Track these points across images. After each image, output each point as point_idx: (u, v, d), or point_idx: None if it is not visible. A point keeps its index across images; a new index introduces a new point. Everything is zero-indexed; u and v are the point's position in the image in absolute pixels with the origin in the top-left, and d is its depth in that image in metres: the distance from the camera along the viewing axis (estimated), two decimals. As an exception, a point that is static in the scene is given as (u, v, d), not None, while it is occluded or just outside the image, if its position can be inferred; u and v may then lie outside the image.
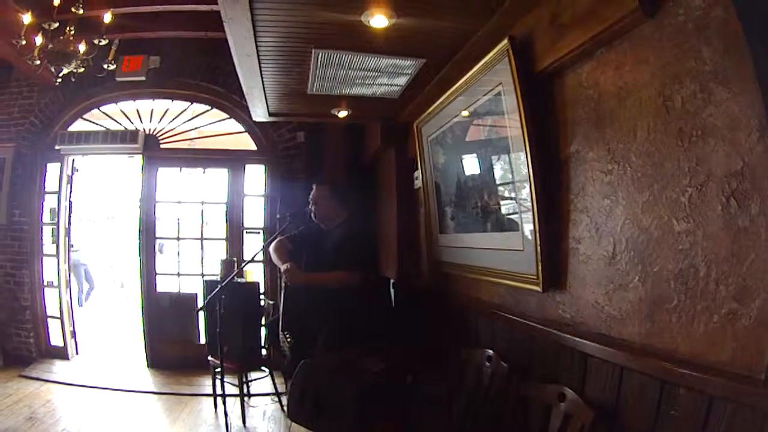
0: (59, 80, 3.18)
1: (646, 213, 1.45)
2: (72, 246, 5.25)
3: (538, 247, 1.81)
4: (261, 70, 2.58)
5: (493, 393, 2.04)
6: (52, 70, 3.10)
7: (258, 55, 2.37)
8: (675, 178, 1.34)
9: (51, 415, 3.27)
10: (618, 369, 1.48)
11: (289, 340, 2.65)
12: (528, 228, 1.90)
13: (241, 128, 4.59)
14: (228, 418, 2.89)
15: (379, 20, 1.94)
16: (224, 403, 3.03)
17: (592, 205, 1.67)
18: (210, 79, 4.33)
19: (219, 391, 3.27)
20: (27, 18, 2.92)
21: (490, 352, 2.13)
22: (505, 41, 1.87)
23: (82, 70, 3.17)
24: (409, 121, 3.18)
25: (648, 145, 1.44)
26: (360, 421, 2.17)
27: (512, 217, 2.08)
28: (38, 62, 3.04)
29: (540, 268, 1.82)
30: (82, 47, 3.06)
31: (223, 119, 4.59)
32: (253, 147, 4.61)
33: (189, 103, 4.55)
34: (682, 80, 1.31)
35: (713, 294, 1.22)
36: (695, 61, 1.27)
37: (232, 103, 4.32)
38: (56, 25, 2.96)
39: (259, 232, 4.63)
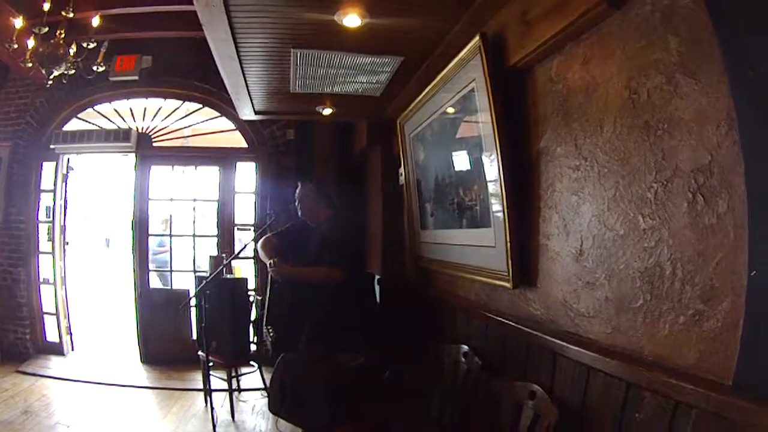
0: (50, 82, 3.22)
1: (612, 209, 1.42)
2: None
3: (508, 244, 1.79)
4: (243, 71, 2.59)
5: (468, 389, 2.03)
6: (44, 72, 3.13)
7: (239, 57, 2.39)
8: (641, 174, 1.31)
9: (45, 409, 3.31)
10: (585, 368, 1.46)
11: (271, 334, 2.66)
12: (500, 224, 1.88)
13: (232, 126, 4.60)
14: (214, 412, 2.91)
15: (351, 20, 1.95)
16: (210, 397, 3.05)
17: (561, 201, 1.65)
18: (202, 77, 4.33)
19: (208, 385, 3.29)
20: (18, 22, 2.96)
21: (466, 348, 2.13)
22: (477, 38, 1.85)
23: (73, 72, 3.19)
24: (393, 118, 3.17)
25: (614, 139, 1.41)
26: (338, 416, 2.18)
27: (486, 213, 2.06)
28: (30, 65, 3.07)
29: (510, 264, 1.80)
30: (72, 50, 3.08)
31: (215, 117, 4.61)
32: (244, 145, 4.62)
33: (181, 102, 4.57)
34: (648, 72, 1.28)
35: (679, 294, 1.18)
36: (662, 52, 1.23)
37: (223, 101, 4.31)
38: (46, 29, 2.98)
39: (249, 229, 4.65)
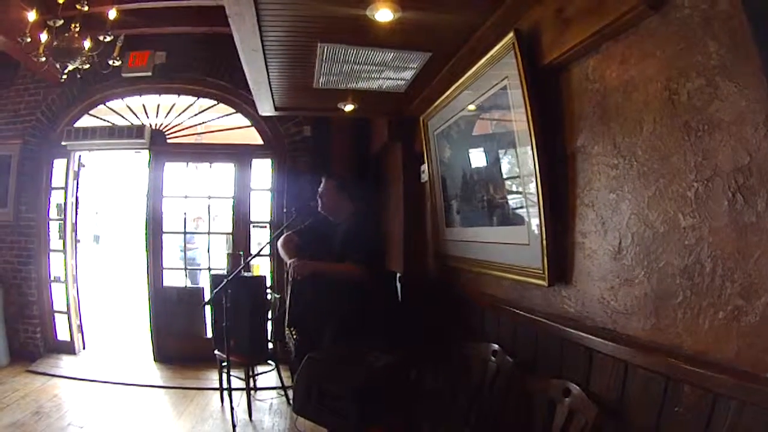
0: (65, 77, 3.20)
1: (652, 208, 1.44)
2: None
3: (544, 242, 1.80)
4: (267, 65, 2.58)
5: (498, 387, 2.04)
6: (58, 66, 3.12)
7: (263, 50, 2.37)
8: (681, 173, 1.33)
9: (57, 410, 3.30)
10: (623, 365, 1.48)
11: (294, 335, 2.66)
12: (534, 222, 1.89)
13: (247, 122, 4.60)
14: (234, 412, 2.91)
15: (384, 14, 1.94)
16: (230, 396, 3.05)
17: (598, 199, 1.67)
18: (216, 74, 4.34)
19: (225, 384, 3.29)
20: (32, 15, 2.94)
21: (496, 346, 2.14)
22: (511, 35, 1.86)
23: (88, 66, 3.17)
24: (416, 115, 3.17)
25: (654, 139, 1.43)
26: (365, 416, 2.18)
27: (518, 211, 2.07)
28: (43, 59, 3.05)
29: (545, 262, 1.81)
30: (87, 44, 3.07)
31: (230, 114, 4.60)
32: (259, 141, 4.62)
33: (195, 98, 4.55)
34: (689, 74, 1.30)
35: (719, 290, 1.21)
36: (701, 55, 1.25)
37: (239, 97, 4.33)
38: (61, 22, 2.96)
39: (265, 226, 4.66)
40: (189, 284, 4.98)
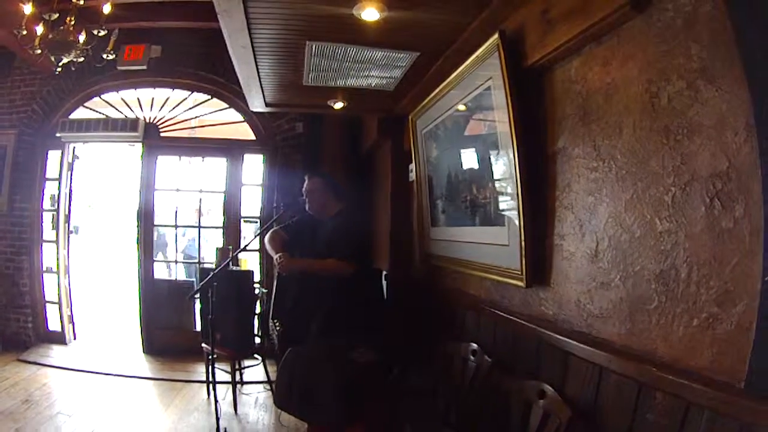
0: (59, 69, 3.20)
1: (629, 211, 1.43)
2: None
3: (523, 243, 1.80)
4: (256, 62, 2.58)
5: (477, 387, 2.04)
6: (53, 59, 3.12)
7: (253, 47, 2.38)
8: (659, 177, 1.32)
9: (47, 398, 3.32)
10: (597, 369, 1.47)
11: (278, 327, 2.66)
12: (514, 223, 1.89)
13: (240, 118, 4.60)
14: (218, 405, 2.91)
15: (370, 13, 1.94)
16: (215, 389, 3.05)
17: (577, 201, 1.66)
18: (210, 68, 4.34)
19: (212, 378, 3.29)
20: (28, 8, 2.94)
21: (475, 345, 2.13)
22: (496, 36, 1.86)
23: (82, 59, 3.18)
24: (405, 114, 3.17)
25: (633, 142, 1.42)
26: (346, 412, 2.18)
27: (499, 211, 2.07)
28: (39, 52, 3.06)
29: (524, 263, 1.81)
30: (81, 37, 3.07)
31: (223, 109, 4.60)
32: (252, 137, 4.62)
33: (189, 93, 4.56)
34: (670, 77, 1.28)
35: (694, 297, 1.20)
36: (683, 57, 1.24)
37: (232, 92, 4.32)
38: (56, 15, 2.97)
39: (256, 221, 4.67)
40: (185, 277, 4.99)
